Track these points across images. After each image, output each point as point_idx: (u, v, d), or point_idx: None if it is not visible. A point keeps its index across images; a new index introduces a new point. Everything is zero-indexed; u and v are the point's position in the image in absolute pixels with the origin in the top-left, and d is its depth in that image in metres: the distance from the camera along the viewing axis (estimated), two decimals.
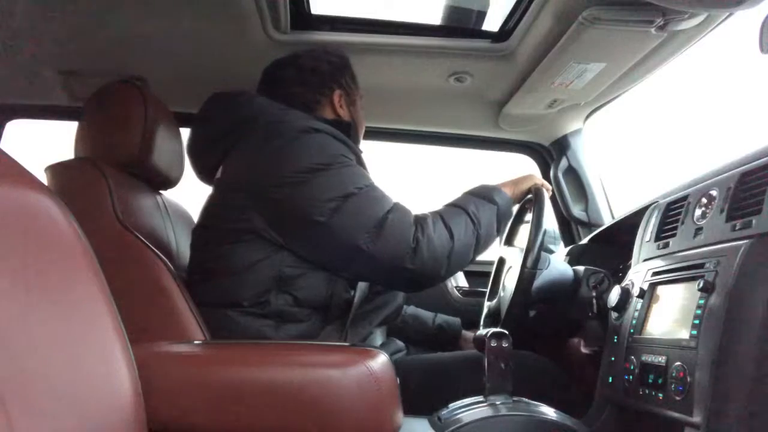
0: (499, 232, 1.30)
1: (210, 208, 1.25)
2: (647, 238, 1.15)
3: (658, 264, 1.05)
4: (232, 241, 1.16)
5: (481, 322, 1.45)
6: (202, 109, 1.31)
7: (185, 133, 1.41)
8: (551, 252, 1.73)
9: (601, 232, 1.59)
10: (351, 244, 1.13)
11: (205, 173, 1.33)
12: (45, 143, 1.88)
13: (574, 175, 1.94)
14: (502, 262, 1.46)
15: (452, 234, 1.18)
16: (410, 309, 1.62)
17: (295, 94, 1.32)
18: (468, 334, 1.64)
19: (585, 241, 1.68)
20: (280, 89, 1.33)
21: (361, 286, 1.27)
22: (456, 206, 1.24)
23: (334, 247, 1.15)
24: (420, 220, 1.18)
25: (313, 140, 1.17)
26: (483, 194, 1.28)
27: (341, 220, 1.12)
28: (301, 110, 1.26)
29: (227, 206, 1.20)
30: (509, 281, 1.32)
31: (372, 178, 1.22)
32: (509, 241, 1.49)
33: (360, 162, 1.25)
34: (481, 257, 2.05)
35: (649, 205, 1.20)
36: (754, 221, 0.84)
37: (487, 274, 1.55)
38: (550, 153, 2.00)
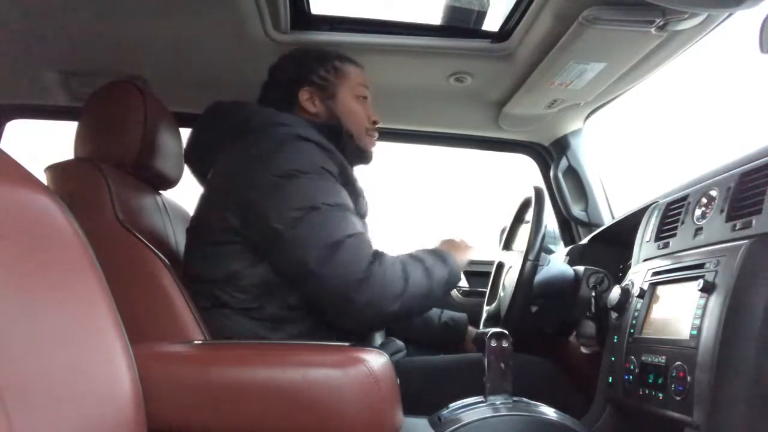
0: (442, 296, 1.26)
1: (198, 210, 1.27)
2: (647, 238, 1.15)
3: (658, 264, 1.05)
4: (215, 243, 1.17)
5: (481, 326, 1.45)
6: (200, 117, 1.33)
7: (185, 133, 1.41)
8: (551, 252, 1.74)
9: (601, 232, 1.59)
10: (301, 260, 1.10)
11: (200, 178, 1.36)
12: (45, 143, 1.88)
13: (574, 175, 1.94)
14: (501, 266, 1.46)
15: (407, 277, 1.14)
16: None
17: (272, 97, 1.34)
18: (475, 331, 1.62)
19: (585, 241, 1.68)
20: (265, 93, 1.37)
21: None
22: (414, 257, 1.21)
23: (286, 261, 1.13)
24: (380, 255, 1.14)
25: (296, 147, 1.17)
26: (439, 255, 1.25)
27: (298, 232, 1.10)
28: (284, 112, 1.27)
29: (211, 208, 1.22)
30: (509, 281, 1.32)
31: (347, 200, 1.18)
32: (507, 245, 1.49)
33: (345, 174, 1.22)
34: (480, 257, 2.06)
35: (649, 205, 1.20)
36: (754, 221, 0.84)
37: (487, 274, 1.55)
38: (550, 153, 2.00)
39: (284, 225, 1.10)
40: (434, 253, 1.25)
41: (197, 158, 1.34)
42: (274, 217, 1.11)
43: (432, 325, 1.57)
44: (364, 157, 1.38)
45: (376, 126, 1.40)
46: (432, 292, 1.18)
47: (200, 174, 1.35)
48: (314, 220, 1.10)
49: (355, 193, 1.25)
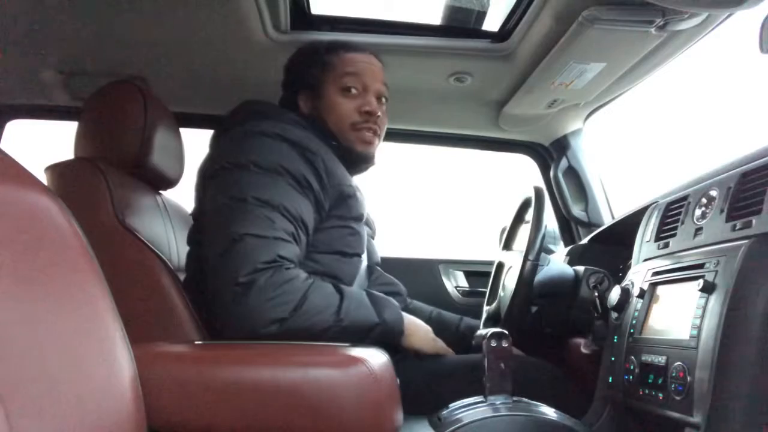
0: (368, 339, 1.09)
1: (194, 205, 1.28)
2: (647, 238, 1.15)
3: (658, 264, 1.05)
4: (196, 240, 1.18)
5: (481, 326, 1.45)
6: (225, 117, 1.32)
7: (185, 133, 1.41)
8: (551, 252, 1.74)
9: (601, 232, 1.59)
10: (208, 249, 1.07)
11: None
12: (45, 143, 1.88)
13: (574, 175, 1.94)
14: (501, 266, 1.46)
15: (302, 305, 1.01)
16: (435, 312, 1.51)
17: (282, 98, 1.34)
18: None
19: (585, 241, 1.68)
20: (281, 97, 1.35)
21: (358, 284, 1.26)
22: (341, 289, 1.09)
23: (203, 248, 1.10)
24: (279, 268, 1.01)
25: (263, 142, 1.13)
26: (380, 302, 1.13)
27: (213, 220, 1.08)
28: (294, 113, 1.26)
29: (195, 201, 1.23)
30: (509, 281, 1.32)
31: (289, 202, 1.08)
32: (507, 245, 1.49)
33: (328, 178, 1.14)
34: (480, 257, 2.06)
35: (649, 205, 1.20)
36: (754, 221, 0.84)
37: (487, 274, 1.55)
38: (550, 153, 2.00)
39: (209, 210, 1.10)
40: (377, 298, 1.13)
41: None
42: (207, 200, 1.12)
43: (449, 332, 1.43)
44: (357, 157, 1.29)
45: (371, 117, 1.27)
46: (334, 329, 1.04)
47: None
48: (233, 212, 1.05)
49: (343, 196, 1.18)
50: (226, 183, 1.11)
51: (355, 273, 1.23)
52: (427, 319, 1.36)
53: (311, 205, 1.13)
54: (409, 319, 1.20)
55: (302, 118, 1.27)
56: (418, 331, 1.22)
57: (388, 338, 1.13)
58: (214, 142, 1.27)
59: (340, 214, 1.18)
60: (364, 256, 1.29)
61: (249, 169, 1.09)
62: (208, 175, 1.17)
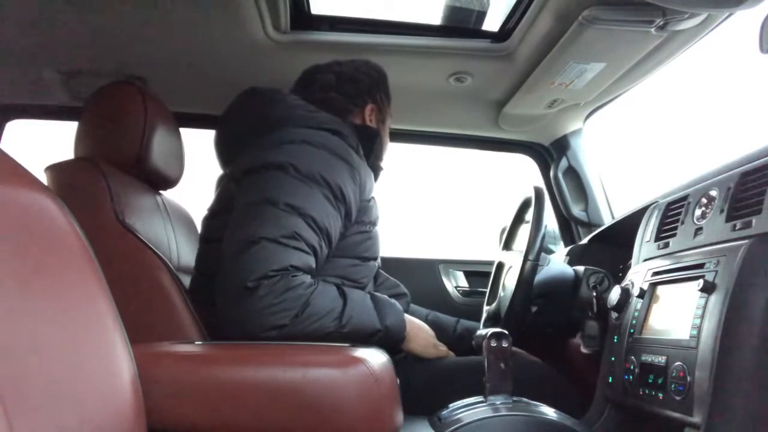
0: (368, 341, 1.09)
1: (214, 201, 1.26)
2: (647, 238, 1.15)
3: (658, 264, 1.05)
4: (214, 237, 1.16)
5: (481, 326, 1.45)
6: (233, 103, 1.29)
7: (185, 133, 1.41)
8: (551, 252, 1.74)
9: (601, 232, 1.59)
10: (224, 245, 1.06)
11: (224, 166, 1.32)
12: (45, 143, 1.88)
13: (574, 175, 1.95)
14: (501, 266, 1.46)
15: (303, 311, 1.00)
16: (431, 315, 1.52)
17: (330, 99, 1.31)
18: None
19: (585, 241, 1.68)
20: (316, 92, 1.32)
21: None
22: (344, 293, 1.08)
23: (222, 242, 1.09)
24: (287, 277, 1.00)
25: (312, 152, 1.12)
26: (383, 305, 1.13)
27: (238, 217, 1.07)
28: (332, 115, 1.25)
29: (221, 197, 1.21)
30: (509, 281, 1.32)
31: (319, 212, 1.07)
32: (507, 245, 1.49)
33: (361, 187, 1.17)
34: (480, 257, 2.06)
35: (649, 205, 1.20)
36: (754, 221, 0.84)
37: (487, 274, 1.55)
38: (550, 153, 2.00)
39: (239, 205, 1.09)
40: (381, 302, 1.13)
41: (228, 145, 1.29)
42: (240, 196, 1.11)
43: (446, 334, 1.44)
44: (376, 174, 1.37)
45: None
46: (335, 334, 1.04)
47: (224, 163, 1.31)
48: (260, 213, 1.05)
49: (365, 205, 1.20)
50: (262, 182, 1.10)
51: (371, 276, 1.24)
52: (423, 322, 1.36)
53: (340, 219, 1.13)
54: (411, 323, 1.20)
55: (349, 123, 1.27)
56: (419, 336, 1.23)
57: (390, 343, 1.13)
58: (259, 139, 1.21)
59: (360, 219, 1.19)
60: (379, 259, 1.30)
61: (288, 171, 1.08)
62: (246, 170, 1.14)
